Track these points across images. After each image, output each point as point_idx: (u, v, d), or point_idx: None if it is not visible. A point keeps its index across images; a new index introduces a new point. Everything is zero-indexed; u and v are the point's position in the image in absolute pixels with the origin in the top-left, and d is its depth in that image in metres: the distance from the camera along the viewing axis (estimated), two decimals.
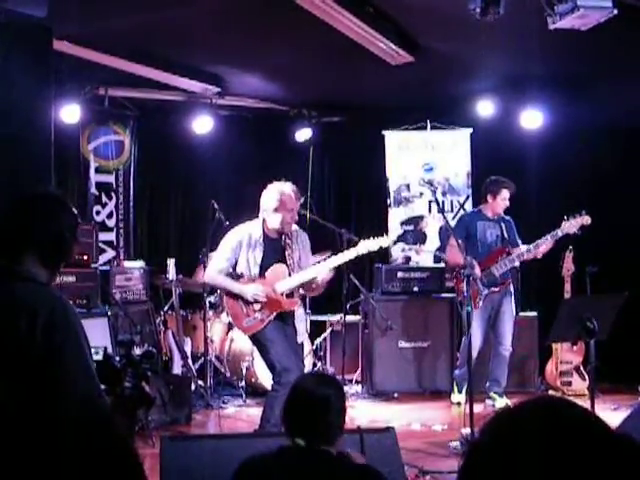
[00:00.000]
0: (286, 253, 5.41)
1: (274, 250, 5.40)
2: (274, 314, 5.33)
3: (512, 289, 7.08)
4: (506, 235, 6.96)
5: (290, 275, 5.37)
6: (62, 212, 2.55)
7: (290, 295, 5.40)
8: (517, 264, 7.02)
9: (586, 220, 6.57)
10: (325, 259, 5.54)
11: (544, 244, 6.70)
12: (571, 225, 6.57)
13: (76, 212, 2.63)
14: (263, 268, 5.36)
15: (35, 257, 2.44)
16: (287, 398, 2.69)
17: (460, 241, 6.80)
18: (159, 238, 9.11)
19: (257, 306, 5.32)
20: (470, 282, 5.68)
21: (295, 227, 5.53)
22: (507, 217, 7.13)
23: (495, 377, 7.08)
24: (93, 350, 2.42)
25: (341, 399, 2.68)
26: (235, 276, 5.43)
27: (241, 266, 5.38)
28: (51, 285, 2.52)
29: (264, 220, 5.39)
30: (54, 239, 2.50)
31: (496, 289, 6.90)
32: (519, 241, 6.99)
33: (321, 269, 5.35)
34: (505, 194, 6.96)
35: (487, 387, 7.11)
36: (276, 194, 5.32)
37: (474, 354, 6.98)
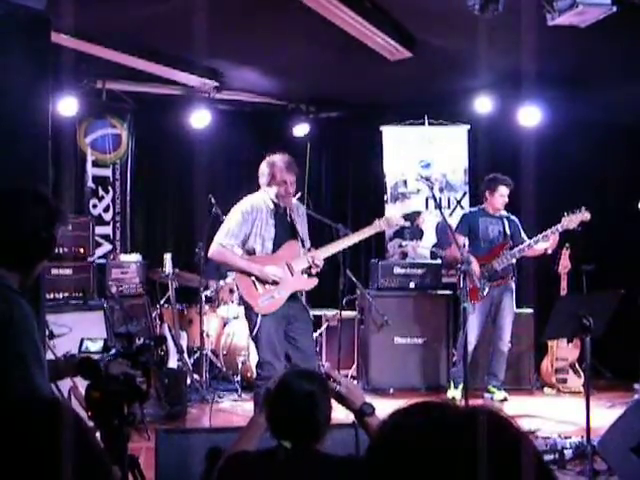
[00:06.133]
0: (296, 228, 5.37)
1: (284, 225, 5.34)
2: (290, 292, 5.27)
3: (513, 285, 7.11)
4: (508, 231, 7.01)
5: (302, 250, 5.34)
6: (33, 211, 2.48)
7: (307, 274, 5.36)
8: (514, 260, 7.06)
9: (586, 216, 6.61)
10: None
11: (549, 239, 6.73)
12: (571, 221, 6.62)
13: (56, 205, 2.56)
14: (276, 244, 5.28)
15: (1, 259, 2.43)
16: (271, 398, 2.57)
17: (462, 238, 6.90)
18: (156, 232, 9.10)
19: (273, 285, 5.25)
20: (466, 278, 5.70)
21: (295, 201, 5.47)
22: (512, 216, 7.19)
23: (493, 371, 7.13)
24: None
25: (326, 394, 2.56)
26: (246, 251, 5.31)
27: (253, 241, 5.26)
28: (24, 284, 2.49)
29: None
30: (21, 241, 2.46)
31: (496, 283, 6.92)
32: (525, 238, 7.02)
33: (339, 246, 5.42)
34: (503, 191, 7.02)
35: (485, 381, 7.18)
36: (266, 168, 5.29)
37: (470, 349, 7.02)
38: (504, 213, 7.16)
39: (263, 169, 5.32)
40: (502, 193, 7.03)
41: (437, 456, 1.04)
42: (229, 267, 5.57)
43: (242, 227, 5.24)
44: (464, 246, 7.12)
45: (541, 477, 1.06)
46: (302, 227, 5.46)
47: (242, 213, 5.27)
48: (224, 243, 5.26)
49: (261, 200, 5.32)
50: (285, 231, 5.34)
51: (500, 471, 1.02)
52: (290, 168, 5.28)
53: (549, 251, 6.89)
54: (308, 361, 5.24)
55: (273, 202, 5.30)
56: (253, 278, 5.24)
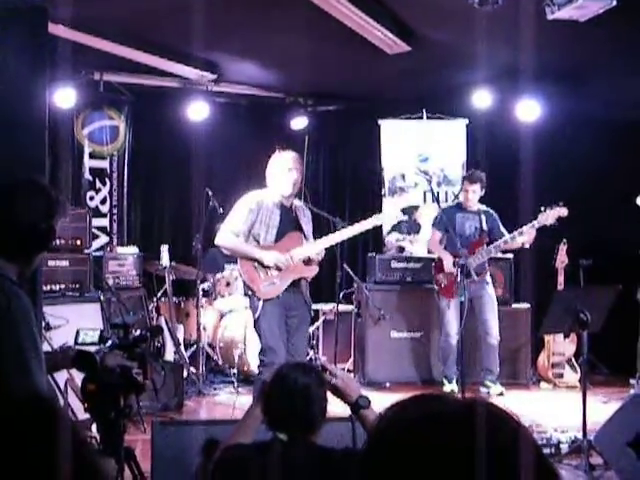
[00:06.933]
0: (300, 222, 5.50)
1: (289, 217, 5.48)
2: (291, 280, 5.39)
3: (489, 279, 7.11)
4: (485, 227, 6.99)
5: (304, 243, 5.47)
6: (33, 202, 2.47)
7: (308, 262, 5.47)
8: (493, 255, 7.05)
9: (562, 212, 6.56)
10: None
11: (525, 234, 6.71)
12: (548, 216, 6.57)
13: (56, 197, 2.53)
14: (279, 234, 5.41)
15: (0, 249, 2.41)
16: (267, 391, 2.59)
17: (439, 234, 6.96)
18: (153, 224, 9.08)
19: (275, 271, 5.36)
20: (463, 272, 5.70)
21: (300, 203, 5.63)
22: (490, 210, 7.17)
23: (487, 366, 7.12)
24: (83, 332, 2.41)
25: (322, 386, 2.57)
26: (252, 237, 5.43)
27: (258, 228, 5.39)
28: (23, 275, 2.47)
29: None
30: (20, 232, 2.44)
31: (474, 279, 6.85)
32: (504, 232, 7.00)
33: (338, 238, 5.49)
34: (466, 185, 7.08)
35: (481, 376, 7.17)
36: (272, 161, 5.47)
37: (453, 343, 7.01)
38: (483, 208, 7.14)
39: (270, 164, 5.48)
40: (466, 188, 7.07)
41: (436, 449, 1.03)
42: (234, 253, 5.64)
43: (248, 215, 5.39)
44: (440, 242, 7.17)
45: (541, 470, 1.05)
46: (306, 226, 5.58)
47: (249, 203, 5.43)
48: (231, 229, 5.43)
49: (267, 194, 5.47)
50: (289, 223, 5.48)
51: (499, 464, 1.01)
52: (296, 158, 5.51)
53: (526, 245, 6.89)
54: (296, 356, 5.36)
55: (279, 197, 5.44)
56: (256, 264, 5.38)
